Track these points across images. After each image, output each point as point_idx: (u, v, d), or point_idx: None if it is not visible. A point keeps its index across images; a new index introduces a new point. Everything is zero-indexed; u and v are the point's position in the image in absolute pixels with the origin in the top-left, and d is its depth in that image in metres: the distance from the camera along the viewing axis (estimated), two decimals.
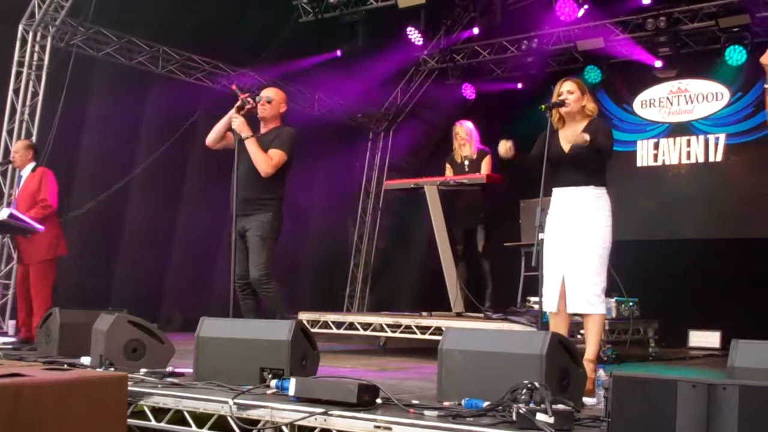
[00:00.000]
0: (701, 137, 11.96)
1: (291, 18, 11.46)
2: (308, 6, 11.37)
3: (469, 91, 13.09)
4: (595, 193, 5.58)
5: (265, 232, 6.55)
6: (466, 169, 9.16)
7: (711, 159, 11.88)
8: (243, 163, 6.63)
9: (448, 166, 9.40)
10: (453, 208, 9.33)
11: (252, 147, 6.53)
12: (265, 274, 6.49)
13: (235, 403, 4.35)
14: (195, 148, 11.28)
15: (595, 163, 5.59)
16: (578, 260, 5.49)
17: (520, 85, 13.00)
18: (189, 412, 4.55)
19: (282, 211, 6.70)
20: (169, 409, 4.63)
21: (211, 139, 6.87)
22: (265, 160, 6.54)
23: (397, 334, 8.66)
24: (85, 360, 5.87)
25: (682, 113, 12.14)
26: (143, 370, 5.36)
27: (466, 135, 9.29)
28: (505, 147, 5.85)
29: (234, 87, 6.91)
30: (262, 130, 6.81)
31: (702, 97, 12.01)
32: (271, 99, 6.79)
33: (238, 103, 6.64)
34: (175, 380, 5.11)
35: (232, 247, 6.59)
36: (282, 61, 11.57)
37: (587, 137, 5.38)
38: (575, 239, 5.50)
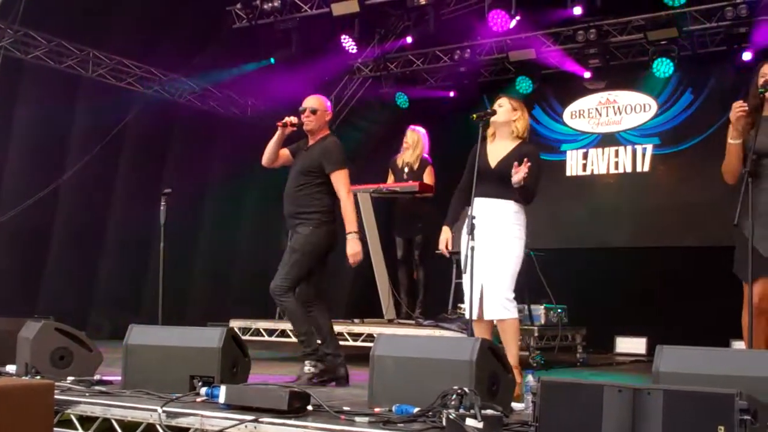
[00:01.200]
0: (629, 148, 12.17)
1: (224, 24, 11.40)
2: (242, 12, 11.32)
3: (402, 100, 13.14)
4: (513, 207, 5.72)
5: (298, 244, 6.35)
6: (405, 177, 9.18)
7: (638, 169, 12.09)
8: (292, 175, 6.50)
9: (390, 170, 9.42)
10: (393, 216, 9.38)
11: (351, 221, 6.33)
12: (280, 286, 6.33)
13: (164, 411, 4.32)
14: (125, 153, 11.19)
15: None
16: (493, 269, 5.62)
17: (452, 94, 13.11)
18: (117, 421, 4.50)
19: (327, 226, 6.42)
20: (96, 418, 4.58)
21: (267, 159, 6.64)
22: (351, 204, 6.35)
23: None
24: (11, 368, 5.77)
25: (610, 124, 12.35)
26: (70, 378, 5.29)
27: (410, 141, 9.29)
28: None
29: (279, 123, 6.55)
30: (310, 142, 6.55)
31: (630, 108, 12.22)
32: (315, 109, 6.55)
33: (281, 127, 6.46)
34: (103, 388, 5.06)
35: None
36: (215, 67, 11.52)
37: (521, 177, 5.51)
38: (491, 249, 5.61)
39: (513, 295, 5.70)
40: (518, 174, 5.52)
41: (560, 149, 12.64)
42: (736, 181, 5.25)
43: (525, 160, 5.51)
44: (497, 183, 5.68)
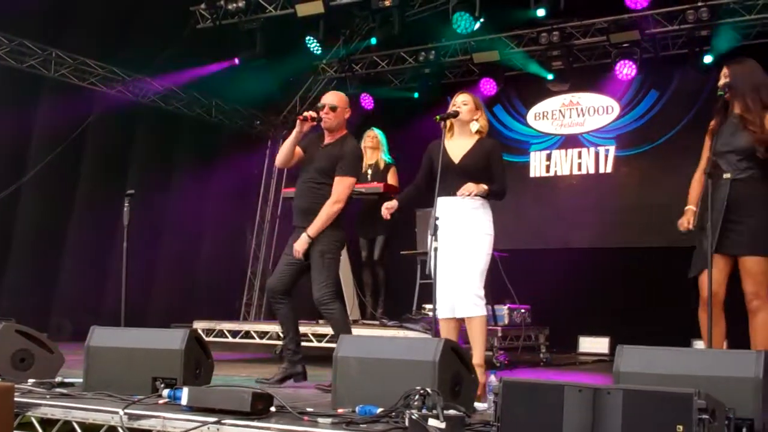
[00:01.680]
0: (592, 149, 12.26)
1: (188, 24, 11.34)
2: (206, 12, 11.27)
3: (367, 101, 13.16)
4: (479, 203, 5.73)
5: (326, 246, 6.20)
6: (369, 179, 9.20)
7: (601, 170, 12.18)
8: (307, 170, 6.36)
9: None
10: (357, 217, 9.39)
11: (316, 225, 6.13)
12: (327, 293, 6.19)
13: (125, 413, 4.30)
14: (87, 154, 11.11)
15: (481, 176, 5.74)
16: (462, 267, 5.64)
17: (416, 95, 13.14)
18: (78, 423, 4.48)
19: (343, 222, 6.33)
20: (57, 420, 4.55)
21: (282, 160, 6.50)
22: (332, 211, 6.15)
23: None
24: None
25: (573, 125, 12.43)
26: (31, 381, 5.24)
27: (372, 143, 9.32)
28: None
29: (300, 117, 6.33)
30: (327, 138, 6.42)
31: (593, 110, 12.32)
32: (335, 106, 6.38)
33: (300, 121, 6.29)
34: (65, 390, 5.02)
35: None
36: (179, 67, 11.46)
37: (484, 187, 5.60)
38: (459, 247, 5.63)
39: (482, 291, 5.70)
40: (482, 187, 5.59)
41: (524, 150, 12.71)
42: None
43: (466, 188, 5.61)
44: (462, 179, 5.70)
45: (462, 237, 5.66)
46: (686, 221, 5.53)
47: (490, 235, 5.75)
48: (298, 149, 6.42)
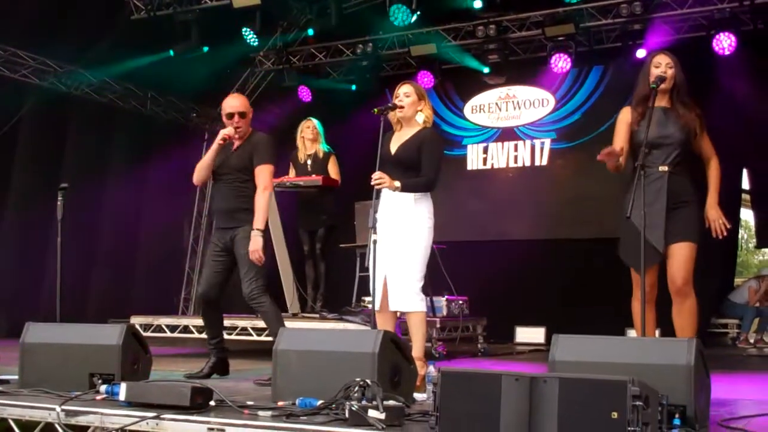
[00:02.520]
0: (528, 142, 12.40)
1: (122, 15, 11.20)
2: (140, 3, 11.15)
3: (305, 93, 13.13)
4: (415, 195, 5.65)
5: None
6: (309, 169, 9.16)
7: (537, 163, 12.33)
8: (224, 175, 6.33)
9: (291, 164, 9.38)
10: (297, 209, 9.37)
11: (259, 218, 6.15)
12: (257, 288, 6.21)
13: (62, 410, 4.25)
14: (20, 147, 10.92)
15: (415, 167, 5.67)
16: (399, 260, 5.57)
17: (354, 88, 13.15)
18: (15, 420, 4.41)
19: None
20: None
21: (201, 178, 6.48)
22: (266, 200, 6.21)
23: (233, 336, 8.63)
24: None
25: (510, 119, 12.56)
26: None
27: (311, 133, 9.28)
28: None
29: (221, 142, 6.28)
30: (236, 142, 6.32)
31: (529, 103, 12.46)
32: (244, 113, 6.30)
33: (220, 136, 6.26)
34: (0, 388, 4.94)
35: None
36: (113, 58, 11.30)
37: (397, 185, 5.54)
38: (396, 240, 5.58)
39: (421, 285, 5.62)
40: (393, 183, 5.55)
41: (461, 143, 12.80)
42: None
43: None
44: (397, 171, 5.63)
45: (400, 230, 5.60)
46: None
47: (429, 228, 5.66)
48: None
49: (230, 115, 6.26)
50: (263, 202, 6.17)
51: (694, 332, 5.19)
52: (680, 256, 5.30)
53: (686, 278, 5.30)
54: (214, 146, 6.29)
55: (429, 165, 5.66)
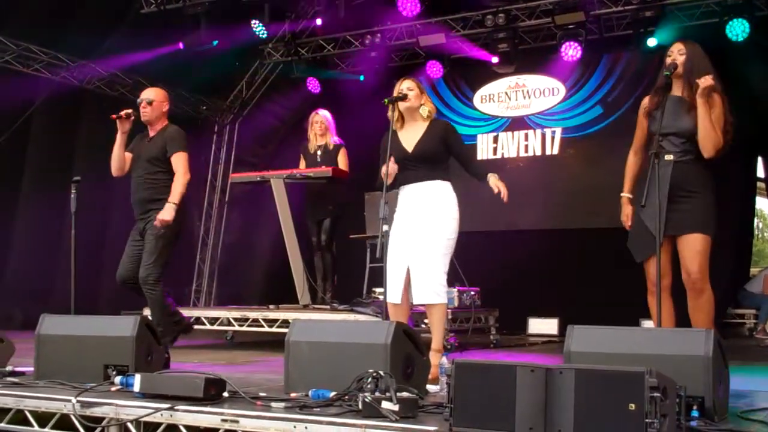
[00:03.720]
0: (538, 131, 12.37)
1: (132, 8, 11.21)
2: None
3: (313, 85, 13.13)
4: (441, 186, 5.67)
5: (161, 229, 6.64)
6: (319, 160, 9.16)
7: (548, 152, 12.29)
8: (139, 166, 6.76)
9: (301, 156, 9.39)
10: (305, 200, 9.37)
11: (175, 193, 6.62)
12: (153, 274, 6.67)
13: (78, 401, 4.26)
14: (33, 141, 10.94)
15: (438, 160, 5.71)
16: (424, 252, 5.53)
17: (362, 79, 13.13)
18: (31, 412, 4.44)
19: (185, 209, 6.92)
20: (9, 409, 4.51)
21: (117, 168, 6.90)
22: (183, 180, 6.69)
23: (244, 328, 8.65)
24: None
25: (520, 108, 12.52)
26: None
27: (321, 125, 9.28)
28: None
29: (113, 116, 6.84)
30: (150, 133, 6.91)
31: (539, 92, 12.42)
32: (151, 100, 6.84)
33: (121, 120, 6.77)
34: (16, 379, 4.97)
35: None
36: (123, 52, 11.31)
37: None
38: (422, 231, 5.55)
39: (446, 278, 5.61)
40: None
41: (471, 133, 12.76)
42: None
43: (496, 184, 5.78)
44: (420, 166, 5.65)
45: (423, 222, 5.58)
46: (626, 217, 5.58)
47: (455, 219, 5.68)
48: (127, 154, 6.88)
49: (140, 102, 6.87)
50: (182, 183, 6.65)
51: (709, 327, 5.14)
52: (691, 248, 5.22)
53: (699, 271, 5.20)
54: (119, 134, 6.81)
55: (468, 154, 5.97)
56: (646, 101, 5.54)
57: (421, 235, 5.56)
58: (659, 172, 5.14)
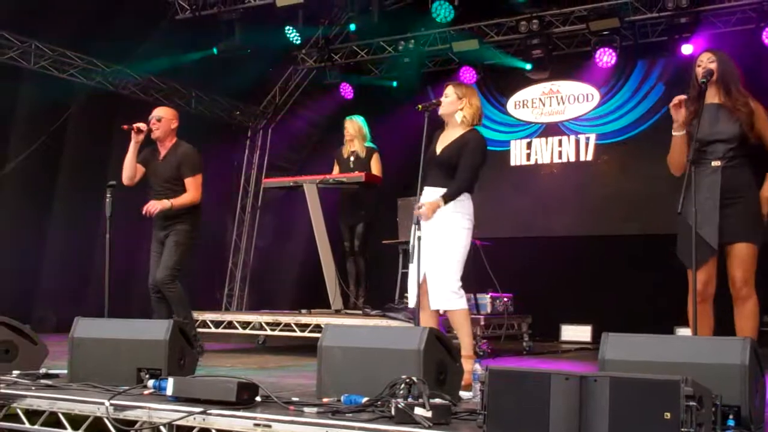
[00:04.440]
0: (572, 137, 12.29)
1: (167, 14, 11.28)
2: (185, 3, 11.21)
3: (346, 90, 13.15)
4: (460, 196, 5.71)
5: (181, 238, 7.08)
6: (351, 166, 9.18)
7: (582, 158, 12.22)
8: (156, 182, 7.13)
9: (335, 161, 9.42)
10: (338, 205, 9.39)
11: (179, 203, 7.02)
12: (169, 275, 7.02)
13: (111, 404, 4.28)
14: (68, 145, 11.03)
15: (455, 170, 5.71)
16: (437, 259, 5.60)
17: (395, 84, 13.15)
18: (64, 414, 4.46)
19: (199, 221, 7.29)
20: (43, 411, 4.52)
21: (127, 177, 7.17)
22: (192, 198, 7.10)
23: (276, 333, 8.66)
24: None
25: (554, 114, 12.46)
26: (16, 372, 5.21)
27: (353, 131, 9.29)
28: None
29: (125, 126, 7.12)
30: (161, 150, 7.21)
31: (573, 98, 12.35)
32: (160, 117, 7.13)
33: (134, 132, 7.04)
34: (49, 382, 4.99)
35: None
36: (158, 58, 11.39)
37: (440, 204, 5.57)
38: (435, 239, 5.60)
39: (459, 284, 5.64)
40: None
41: (504, 139, 12.72)
42: (681, 173, 5.34)
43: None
44: (440, 171, 5.70)
45: (439, 230, 5.61)
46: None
47: (467, 229, 5.67)
48: (139, 165, 7.22)
49: (150, 119, 7.17)
50: (188, 197, 7.08)
51: (754, 334, 5.09)
52: (738, 257, 5.21)
53: (744, 280, 5.19)
54: (131, 144, 7.06)
55: (463, 169, 5.69)
56: (682, 112, 5.43)
57: (435, 244, 5.60)
58: (707, 179, 5.13)
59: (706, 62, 5.35)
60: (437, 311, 5.75)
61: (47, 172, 10.91)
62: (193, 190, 7.12)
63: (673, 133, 5.38)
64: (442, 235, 5.62)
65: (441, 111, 5.81)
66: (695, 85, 5.35)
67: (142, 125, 7.04)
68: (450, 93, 5.84)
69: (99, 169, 10.59)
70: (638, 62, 11.94)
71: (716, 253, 5.15)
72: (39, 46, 10.75)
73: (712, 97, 5.36)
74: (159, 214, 7.08)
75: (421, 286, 5.60)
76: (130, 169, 7.14)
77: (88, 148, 11.16)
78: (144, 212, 7.01)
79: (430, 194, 5.70)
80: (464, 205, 5.72)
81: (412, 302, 5.65)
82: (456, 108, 5.80)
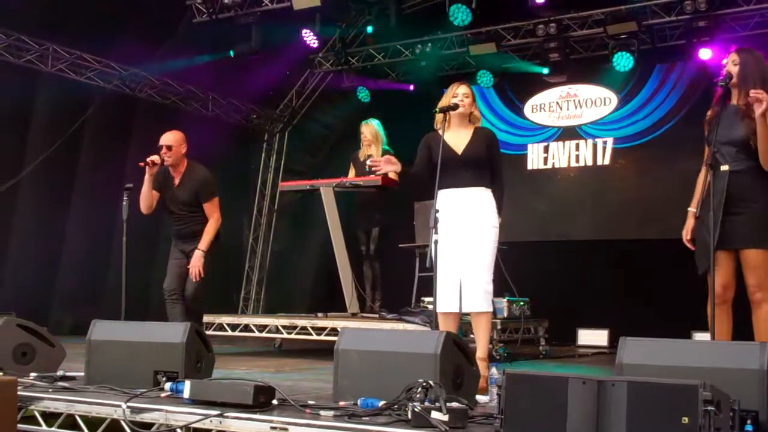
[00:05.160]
0: (590, 141, 12.25)
1: (184, 18, 11.31)
2: (202, 6, 11.24)
3: (363, 94, 13.16)
4: (485, 194, 5.70)
5: (206, 256, 7.26)
6: (367, 169, 9.16)
7: (599, 162, 12.17)
8: (175, 205, 7.40)
9: (351, 164, 9.42)
10: (354, 209, 9.39)
11: (205, 241, 7.27)
12: (201, 291, 7.30)
13: (128, 407, 4.29)
14: (86, 148, 11.08)
15: (484, 166, 5.72)
16: (471, 260, 5.57)
17: (411, 88, 13.14)
18: (81, 417, 4.47)
19: (220, 237, 7.51)
20: (60, 414, 4.55)
21: (145, 206, 7.34)
22: (215, 224, 7.38)
23: (292, 336, 8.67)
24: None
25: (571, 117, 12.42)
26: (33, 374, 5.24)
27: (370, 135, 9.30)
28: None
29: (141, 164, 7.25)
30: (174, 175, 7.38)
31: (591, 102, 12.31)
32: (170, 146, 7.30)
33: (148, 166, 7.19)
34: (67, 384, 5.01)
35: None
36: (175, 61, 11.43)
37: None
38: (470, 241, 5.57)
39: (492, 286, 5.65)
40: None
41: (521, 143, 12.70)
42: None
43: None
44: (468, 171, 5.68)
45: (468, 229, 5.60)
46: (686, 231, 5.45)
47: (496, 227, 5.69)
48: (156, 194, 7.42)
49: (160, 147, 7.29)
50: (211, 229, 7.33)
51: None
52: (751, 262, 5.17)
53: (757, 285, 5.15)
54: (146, 176, 7.25)
55: (498, 169, 5.84)
56: (709, 112, 5.47)
57: (469, 245, 5.56)
58: (717, 183, 5.08)
59: (730, 64, 5.32)
60: (458, 316, 5.73)
61: (65, 175, 10.96)
62: (214, 214, 7.37)
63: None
64: (473, 235, 5.61)
65: (463, 111, 5.80)
66: (720, 85, 5.33)
67: (155, 158, 7.19)
68: (469, 93, 5.87)
69: (116, 172, 10.64)
70: (656, 66, 11.89)
71: (714, 257, 5.03)
72: (57, 49, 10.80)
73: (736, 98, 5.33)
74: (182, 234, 7.41)
75: (455, 290, 5.57)
76: (148, 200, 7.32)
77: (106, 150, 11.21)
78: (193, 276, 7.25)
79: (458, 196, 5.68)
80: (494, 202, 5.75)
81: (440, 306, 5.60)
82: (472, 109, 5.85)
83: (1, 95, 10.13)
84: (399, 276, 9.70)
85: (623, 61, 11.22)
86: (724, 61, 5.40)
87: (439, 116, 5.79)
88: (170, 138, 7.36)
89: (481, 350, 5.51)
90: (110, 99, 11.32)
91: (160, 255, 11.88)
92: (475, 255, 5.58)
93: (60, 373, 5.38)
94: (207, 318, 9.08)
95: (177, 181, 7.38)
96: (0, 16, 9.93)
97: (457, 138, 5.80)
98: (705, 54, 10.74)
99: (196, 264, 7.19)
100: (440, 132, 5.76)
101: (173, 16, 11.26)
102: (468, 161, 5.68)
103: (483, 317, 5.62)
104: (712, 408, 3.03)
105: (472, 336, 7.39)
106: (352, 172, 9.35)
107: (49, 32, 10.57)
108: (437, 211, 5.42)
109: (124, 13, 10.64)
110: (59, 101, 10.62)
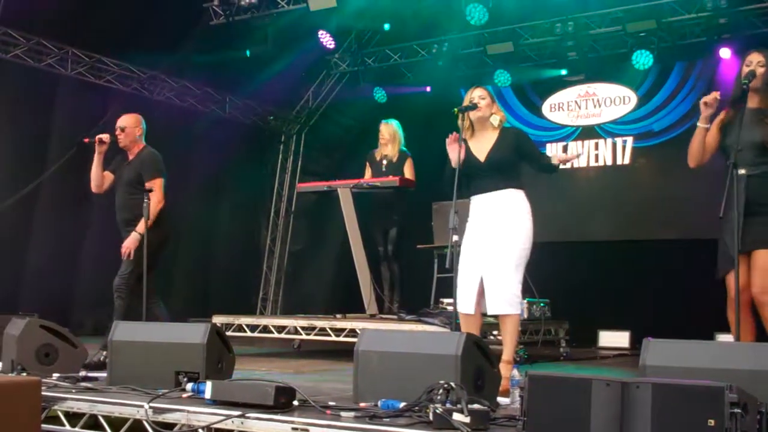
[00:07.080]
0: (609, 140, 12.19)
1: (202, 20, 11.33)
2: (219, 9, 11.26)
3: (380, 95, 13.15)
4: (515, 195, 5.67)
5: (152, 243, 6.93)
6: (384, 170, 9.16)
7: (619, 162, 12.11)
8: (120, 187, 7.25)
9: (367, 163, 9.40)
10: (371, 209, 9.38)
11: (142, 222, 6.88)
12: (124, 283, 7.13)
13: (150, 407, 4.31)
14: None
15: (511, 169, 5.69)
16: (499, 262, 5.51)
17: (428, 89, 13.12)
18: (104, 417, 4.51)
19: (161, 226, 7.15)
20: (83, 414, 4.58)
21: (95, 185, 7.38)
22: (154, 210, 6.99)
23: (311, 337, 8.66)
24: None
25: (590, 116, 12.35)
26: (56, 375, 5.30)
27: (388, 135, 9.28)
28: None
29: (86, 140, 7.35)
30: (129, 157, 7.35)
31: (610, 100, 12.24)
32: (123, 127, 7.28)
33: (97, 143, 7.24)
34: (89, 385, 5.05)
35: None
36: (193, 63, 11.46)
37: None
38: (496, 241, 5.53)
39: (520, 289, 5.59)
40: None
41: (540, 142, 12.64)
42: (696, 165, 5.35)
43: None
44: (494, 176, 5.65)
45: (495, 231, 5.56)
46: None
47: (529, 228, 5.66)
48: (107, 173, 7.40)
49: (116, 129, 7.32)
50: (151, 212, 6.91)
51: None
52: (757, 263, 5.14)
53: (760, 286, 5.11)
54: (96, 155, 7.27)
55: (539, 155, 5.98)
56: (723, 113, 5.41)
57: (495, 245, 5.54)
58: (738, 187, 5.03)
59: (756, 65, 5.25)
60: (480, 318, 5.69)
61: (84, 178, 10.96)
62: (156, 194, 7.08)
63: (698, 124, 5.32)
64: (505, 235, 5.58)
65: (479, 114, 5.74)
66: (738, 85, 5.28)
67: (104, 136, 7.21)
68: (485, 95, 5.79)
69: None
70: (676, 64, 11.81)
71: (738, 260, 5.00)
72: (76, 52, 10.85)
73: (752, 101, 5.27)
74: (119, 222, 7.30)
75: (477, 290, 5.55)
76: (97, 179, 7.33)
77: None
78: (124, 251, 7.11)
79: (487, 201, 5.67)
80: (525, 203, 5.75)
81: (460, 307, 5.58)
82: (491, 111, 5.78)
83: (22, 99, 10.19)
84: (416, 277, 9.68)
85: (642, 59, 11.17)
86: (749, 59, 5.33)
87: (465, 122, 5.75)
88: (125, 120, 7.35)
89: (507, 353, 5.46)
90: (129, 102, 11.33)
91: (179, 255, 11.97)
92: (501, 256, 5.52)
93: (82, 373, 5.43)
94: (226, 319, 9.10)
95: (128, 161, 7.37)
96: (20, 21, 9.99)
97: (479, 144, 5.76)
98: (725, 53, 10.67)
99: (128, 244, 7.04)
100: (463, 137, 5.73)
101: (191, 19, 11.28)
102: (491, 167, 5.65)
103: (508, 320, 5.55)
104: (739, 410, 3.00)
105: (491, 337, 7.42)
106: (368, 172, 9.33)
107: (68, 36, 10.63)
108: (456, 211, 5.39)
109: (142, 16, 10.67)
110: (79, 105, 10.66)
